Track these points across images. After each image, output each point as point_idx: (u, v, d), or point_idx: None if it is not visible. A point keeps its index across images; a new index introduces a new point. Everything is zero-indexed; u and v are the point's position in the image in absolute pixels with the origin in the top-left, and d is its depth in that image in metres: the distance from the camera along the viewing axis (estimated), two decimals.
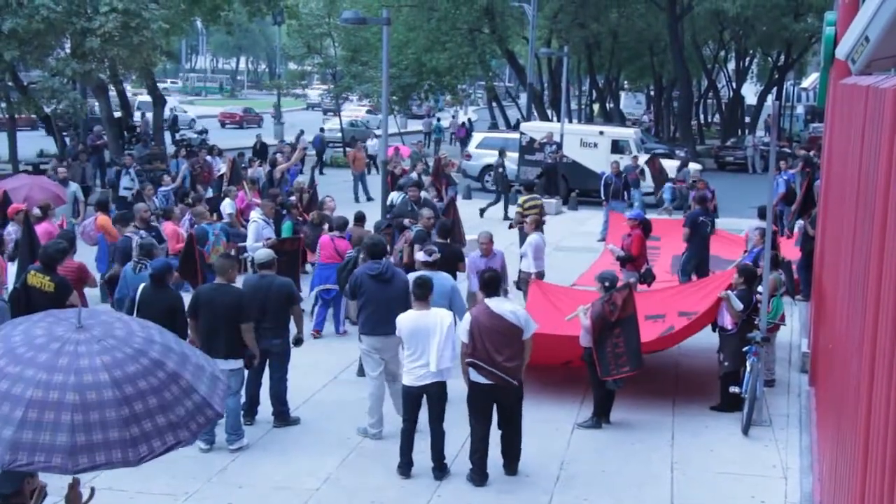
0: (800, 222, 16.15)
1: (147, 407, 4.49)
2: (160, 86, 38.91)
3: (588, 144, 29.54)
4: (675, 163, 28.80)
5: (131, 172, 22.09)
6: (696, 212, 16.39)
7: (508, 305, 8.82)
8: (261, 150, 31.98)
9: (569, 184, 28.30)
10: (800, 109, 58.25)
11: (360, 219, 14.21)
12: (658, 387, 11.54)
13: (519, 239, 17.13)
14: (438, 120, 52.90)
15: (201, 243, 13.14)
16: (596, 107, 60.11)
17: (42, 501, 5.28)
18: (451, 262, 12.05)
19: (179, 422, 4.58)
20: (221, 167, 23.40)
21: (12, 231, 13.57)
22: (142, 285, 9.77)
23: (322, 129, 42.29)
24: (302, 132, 37.42)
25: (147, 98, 37.70)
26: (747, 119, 54.13)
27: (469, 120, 53.99)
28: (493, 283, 8.89)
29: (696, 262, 15.76)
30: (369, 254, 10.20)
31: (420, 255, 10.95)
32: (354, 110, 54.10)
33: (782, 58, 49.71)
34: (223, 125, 56.48)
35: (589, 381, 10.58)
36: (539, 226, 14.62)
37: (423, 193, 17.23)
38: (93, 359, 4.50)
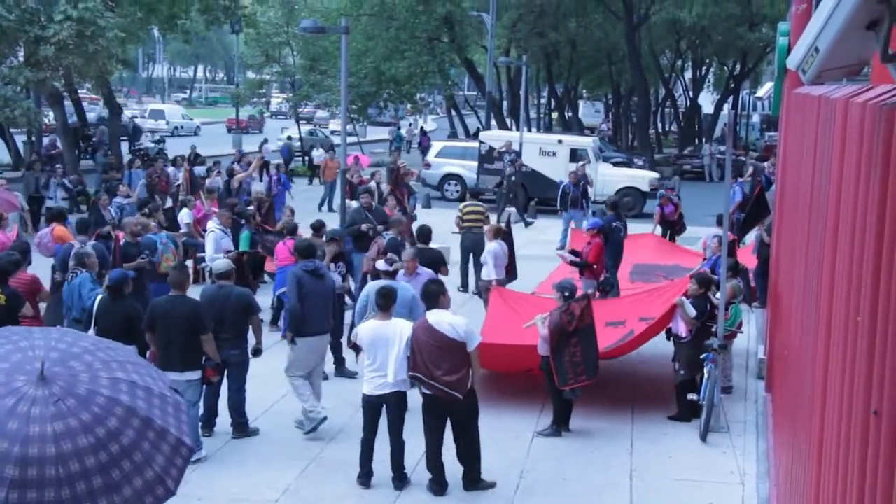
0: (756, 231, 16.32)
1: (90, 487, 4.12)
2: (180, 96, 38.99)
3: (547, 153, 29.68)
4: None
5: (65, 183, 22.02)
6: (610, 217, 16.69)
7: (448, 318, 8.73)
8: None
9: (528, 192, 28.41)
10: (755, 118, 59.01)
11: (317, 228, 14.08)
12: (616, 395, 11.60)
13: (460, 246, 17.26)
14: (398, 128, 52.91)
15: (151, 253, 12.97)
16: (555, 115, 60.43)
17: None
18: (434, 266, 12.41)
19: (125, 502, 4.21)
20: (179, 177, 23.25)
21: None
22: (99, 296, 9.67)
23: (290, 138, 42.15)
24: (266, 140, 37.30)
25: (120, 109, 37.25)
26: (703, 127, 54.75)
27: (422, 129, 54.03)
28: (433, 295, 8.87)
29: (614, 263, 16.04)
30: (301, 255, 10.66)
31: (381, 265, 10.93)
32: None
33: (738, 67, 50.36)
34: (230, 130, 57.59)
35: (547, 389, 10.60)
36: (499, 234, 14.64)
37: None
38: (44, 426, 4.11)
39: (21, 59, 26.02)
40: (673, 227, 21.57)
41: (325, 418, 10.14)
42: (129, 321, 9.34)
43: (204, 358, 9.30)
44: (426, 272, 11.30)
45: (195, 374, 9.24)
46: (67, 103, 33.98)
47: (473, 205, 17.70)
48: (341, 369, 12.22)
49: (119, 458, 4.20)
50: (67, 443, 4.10)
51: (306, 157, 39.55)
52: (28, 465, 4.01)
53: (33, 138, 33.55)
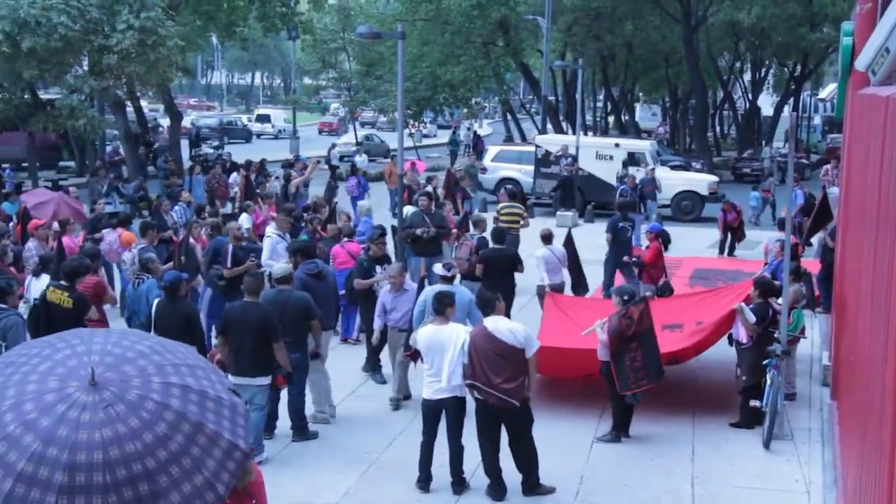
0: (819, 235, 16.07)
1: (137, 494, 4.13)
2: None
3: (603, 157, 29.49)
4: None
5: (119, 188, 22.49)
6: (616, 218, 16.90)
7: (507, 324, 8.72)
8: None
9: (584, 196, 28.26)
10: (817, 120, 58.03)
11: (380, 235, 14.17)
12: (677, 400, 11.46)
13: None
14: (455, 132, 52.99)
15: (219, 255, 13.19)
16: (611, 119, 60.05)
17: None
18: (508, 265, 13.36)
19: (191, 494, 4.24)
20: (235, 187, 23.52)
21: (33, 247, 13.65)
22: (156, 299, 9.82)
23: (333, 146, 42.42)
24: (334, 145, 37.64)
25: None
26: (762, 130, 53.99)
27: (476, 133, 54.04)
28: (489, 301, 8.83)
29: (614, 266, 16.25)
30: (302, 256, 11.41)
31: (438, 269, 10.93)
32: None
33: (799, 68, 49.56)
34: (320, 132, 63.45)
35: (608, 394, 10.52)
36: (548, 240, 14.53)
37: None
38: (93, 432, 4.14)
39: (85, 68, 26.55)
40: (734, 232, 21.33)
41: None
42: (187, 321, 9.49)
43: (275, 365, 9.35)
44: (412, 287, 11.25)
45: (265, 380, 9.31)
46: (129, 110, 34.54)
47: (510, 206, 17.88)
48: (374, 374, 12.27)
49: (167, 464, 4.21)
50: (115, 449, 4.12)
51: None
52: (76, 471, 4.04)
53: (97, 146, 34.15)
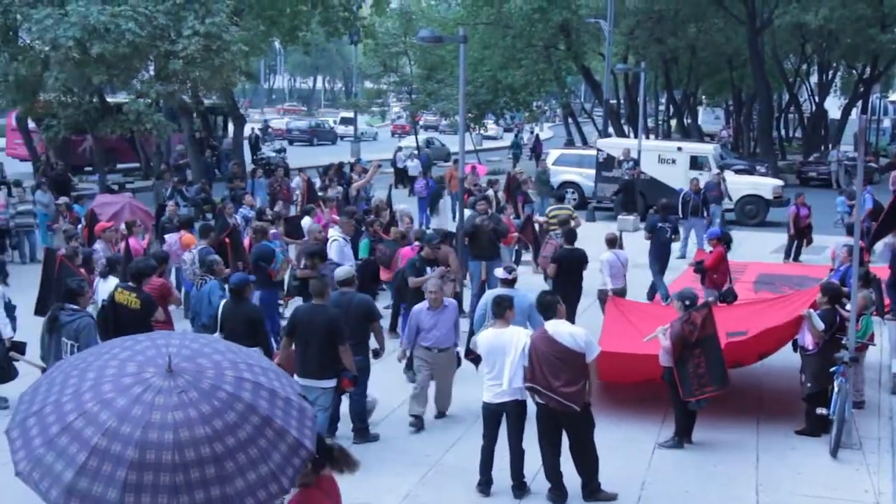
0: (887, 239, 15.74)
1: (203, 476, 4.28)
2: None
3: (666, 161, 29.23)
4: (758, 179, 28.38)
5: (183, 192, 22.88)
6: (655, 218, 17.12)
7: (567, 328, 8.66)
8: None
9: (647, 200, 28.02)
10: (886, 123, 56.89)
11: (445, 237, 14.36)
12: (741, 407, 11.30)
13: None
14: (517, 135, 52.98)
15: (267, 261, 13.33)
16: (673, 122, 59.45)
17: None
18: (579, 265, 13.76)
19: (237, 494, 4.35)
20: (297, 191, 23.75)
21: (100, 249, 13.90)
22: (222, 301, 9.94)
23: (399, 149, 42.59)
24: (400, 149, 37.88)
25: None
26: (829, 133, 53.02)
27: (537, 136, 53.93)
28: (550, 305, 8.78)
29: (659, 266, 16.43)
30: (319, 259, 11.89)
31: (499, 273, 10.92)
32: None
33: (868, 70, 48.59)
34: (393, 135, 66.00)
35: (670, 400, 10.41)
36: (613, 244, 14.46)
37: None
38: (165, 414, 4.34)
39: (151, 73, 27.00)
40: (803, 235, 20.99)
41: (377, 437, 10.34)
42: (252, 323, 9.58)
43: (341, 367, 9.38)
44: (452, 304, 10.70)
45: (331, 383, 9.35)
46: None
47: (559, 208, 18.37)
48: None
49: (234, 451, 4.37)
50: (185, 431, 4.31)
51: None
52: (147, 448, 4.24)
53: (162, 149, 34.70)
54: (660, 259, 16.50)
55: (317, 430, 8.16)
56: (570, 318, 14.56)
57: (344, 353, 9.30)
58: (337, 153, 44.02)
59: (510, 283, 10.66)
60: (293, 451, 4.56)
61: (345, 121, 68.51)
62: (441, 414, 10.92)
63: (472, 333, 10.46)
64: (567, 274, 13.70)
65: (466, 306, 14.33)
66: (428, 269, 12.62)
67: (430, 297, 10.40)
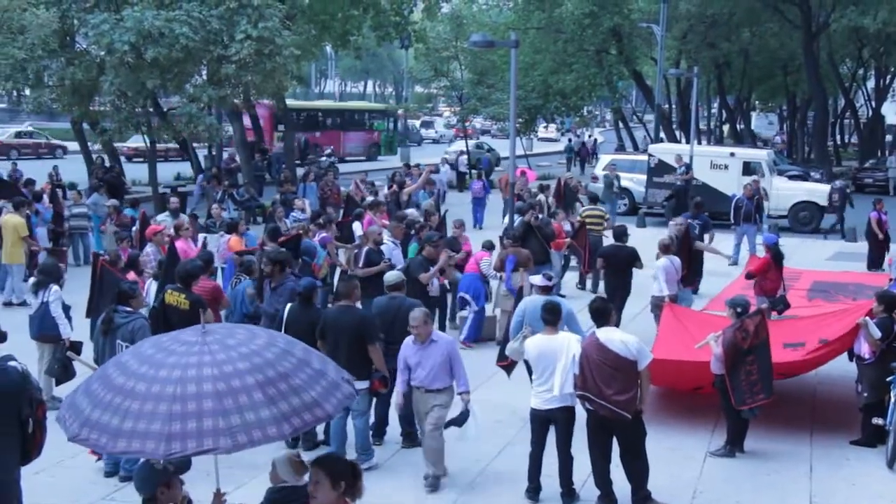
0: None
1: (281, 390, 4.69)
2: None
3: (718, 166, 28.90)
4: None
5: (234, 195, 23.14)
6: (686, 216, 18.05)
7: (619, 335, 8.53)
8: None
9: None
10: None
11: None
12: (795, 416, 11.12)
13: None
14: (570, 140, 52.78)
15: (310, 256, 13.80)
16: (726, 128, 58.83)
17: None
18: (628, 262, 14.14)
19: (318, 398, 4.75)
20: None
21: (151, 252, 14.04)
22: (289, 305, 9.98)
23: (462, 152, 42.61)
24: (463, 152, 38.08)
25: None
26: (888, 139, 52.11)
27: (583, 142, 53.70)
28: (603, 312, 8.68)
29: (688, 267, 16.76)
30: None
31: (537, 280, 10.79)
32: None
33: None
34: (455, 138, 65.40)
35: (721, 408, 10.26)
36: (668, 250, 14.34)
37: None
38: (216, 355, 4.74)
39: (204, 77, 27.27)
40: (888, 239, 20.62)
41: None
42: (315, 328, 9.56)
43: (373, 369, 9.37)
44: (442, 339, 9.13)
45: (361, 384, 9.25)
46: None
47: (593, 209, 19.15)
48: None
49: (271, 381, 4.71)
50: (258, 357, 4.78)
51: (472, 171, 39.82)
52: (186, 382, 4.62)
53: (214, 152, 35.05)
54: (689, 256, 16.74)
55: (357, 434, 8.19)
56: (618, 316, 14.71)
57: (373, 353, 9.25)
58: (420, 156, 44.50)
59: (547, 289, 10.54)
60: (307, 407, 4.74)
61: (425, 124, 71.37)
62: (436, 478, 9.22)
63: (506, 341, 10.36)
64: (615, 271, 14.14)
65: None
66: (430, 268, 13.11)
67: (413, 330, 8.98)
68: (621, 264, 14.31)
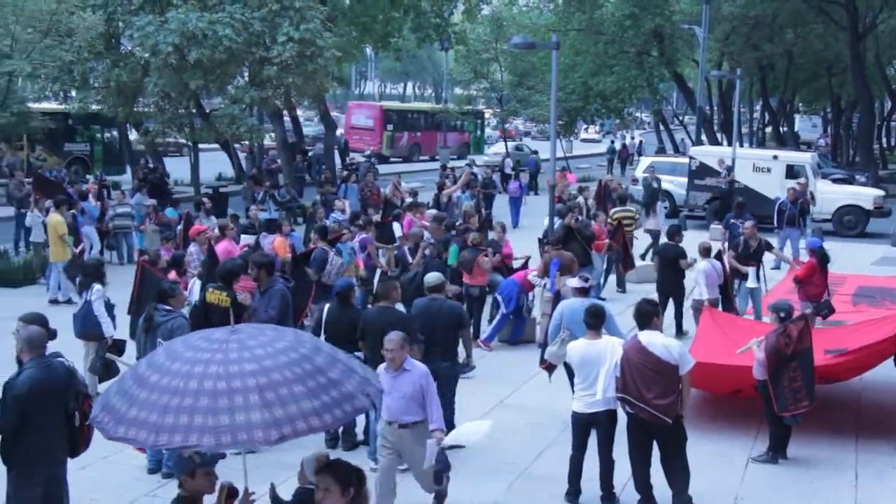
0: None
1: (320, 383, 4.76)
2: None
3: (761, 169, 28.61)
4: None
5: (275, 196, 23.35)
6: (730, 215, 19.01)
7: (661, 339, 8.45)
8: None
9: None
10: None
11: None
12: (839, 422, 10.96)
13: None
14: (613, 142, 52.61)
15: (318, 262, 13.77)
16: (768, 130, 58.23)
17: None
18: (674, 259, 14.57)
19: (354, 391, 4.80)
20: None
21: (194, 251, 14.17)
22: (327, 305, 10.02)
23: (508, 154, 42.65)
24: (508, 154, 38.17)
25: None
26: None
27: (624, 144, 53.48)
28: (647, 315, 8.60)
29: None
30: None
31: (574, 282, 10.72)
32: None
33: None
34: (500, 139, 67.77)
35: (763, 414, 10.15)
36: (707, 253, 14.24)
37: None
38: (254, 350, 4.82)
39: (246, 79, 27.50)
40: None
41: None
42: (356, 328, 9.59)
43: None
44: (415, 368, 8.13)
45: None
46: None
47: (623, 210, 19.41)
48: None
49: (308, 375, 4.78)
50: (294, 352, 4.86)
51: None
52: (270, 371, 4.73)
53: (255, 153, 35.34)
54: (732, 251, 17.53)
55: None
56: (678, 317, 14.80)
57: (412, 354, 9.25)
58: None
59: (584, 291, 10.48)
60: (345, 399, 4.78)
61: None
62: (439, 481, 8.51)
63: (545, 345, 10.32)
64: (670, 269, 14.62)
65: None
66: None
67: (387, 354, 8.10)
68: (671, 262, 14.70)
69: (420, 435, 8.03)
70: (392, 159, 48.58)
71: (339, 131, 44.96)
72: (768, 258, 16.05)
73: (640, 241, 21.09)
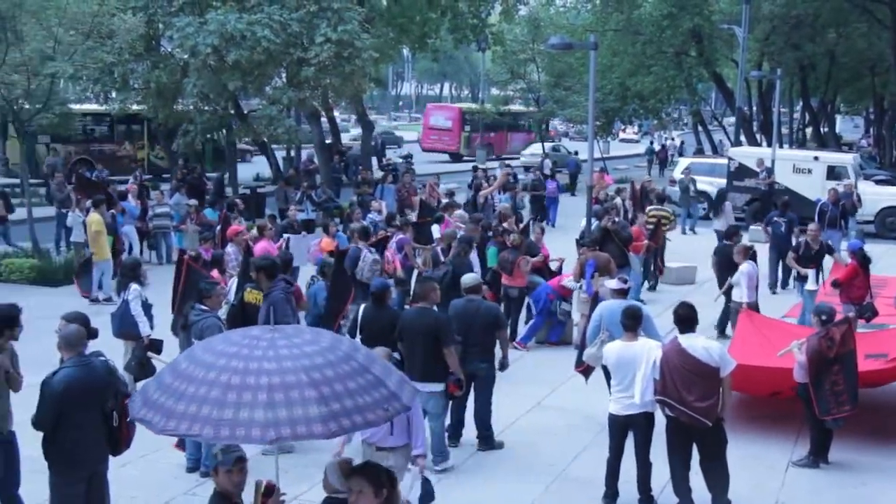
0: None
1: (368, 381, 4.80)
2: None
3: (801, 170, 28.28)
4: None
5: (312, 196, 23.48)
6: (773, 213, 19.31)
7: (702, 342, 8.37)
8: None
9: None
10: None
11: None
12: (883, 426, 10.80)
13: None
14: (651, 143, 52.33)
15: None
16: (809, 131, 57.57)
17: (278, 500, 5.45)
18: (729, 260, 14.35)
19: (367, 405, 4.73)
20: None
21: (232, 251, 14.25)
22: (363, 305, 10.03)
23: (546, 155, 42.52)
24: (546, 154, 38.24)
25: None
26: None
27: (662, 145, 53.17)
28: (687, 319, 8.49)
29: (775, 255, 18.39)
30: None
31: (613, 283, 10.63)
32: None
33: None
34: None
35: (804, 417, 10.03)
36: (748, 254, 14.10)
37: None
38: (302, 348, 4.84)
39: (284, 80, 27.64)
40: None
41: (502, 444, 10.08)
42: (392, 328, 9.55)
43: (449, 372, 9.31)
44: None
45: (436, 387, 9.28)
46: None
47: (658, 209, 19.58)
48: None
49: (355, 373, 4.83)
50: (305, 360, 4.78)
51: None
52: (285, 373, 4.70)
53: (292, 154, 35.50)
54: (774, 249, 18.41)
55: (434, 437, 8.08)
56: (730, 317, 14.54)
57: (449, 356, 9.20)
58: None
59: (623, 293, 10.39)
60: (358, 410, 4.72)
61: None
62: None
63: (583, 347, 10.26)
64: (728, 270, 14.35)
65: None
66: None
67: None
68: (729, 262, 14.47)
69: (401, 460, 7.51)
70: (465, 158, 49.77)
71: (375, 132, 45.09)
72: (828, 261, 15.82)
73: (683, 243, 20.95)
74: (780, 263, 18.22)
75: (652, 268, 18.05)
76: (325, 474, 5.83)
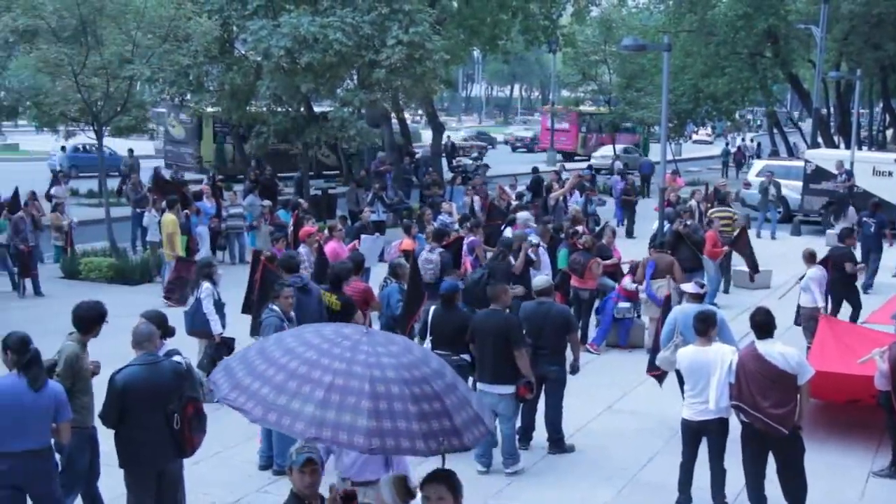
0: None
1: (434, 409, 4.65)
2: None
3: (881, 173, 27.60)
4: None
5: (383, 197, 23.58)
6: (864, 213, 19.49)
7: (779, 348, 8.16)
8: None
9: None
10: None
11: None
12: None
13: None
14: (727, 144, 51.61)
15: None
16: (889, 133, 56.18)
17: None
18: (843, 262, 14.46)
19: (460, 427, 4.68)
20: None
21: (304, 252, 14.38)
22: (433, 307, 10.04)
23: (617, 157, 42.24)
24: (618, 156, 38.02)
25: None
26: None
27: (739, 147, 52.37)
28: (764, 326, 8.29)
29: (866, 253, 18.38)
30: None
31: (689, 287, 10.47)
32: None
33: None
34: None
35: (885, 426, 9.77)
36: (814, 259, 13.75)
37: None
38: (381, 357, 4.75)
39: (356, 81, 27.83)
40: None
41: (573, 447, 10.02)
42: (462, 330, 9.55)
43: (520, 374, 9.25)
44: None
45: (507, 389, 9.24)
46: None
47: (721, 210, 19.26)
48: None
49: (448, 391, 4.80)
50: (405, 371, 4.74)
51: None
52: (378, 382, 4.64)
53: (363, 156, 35.71)
54: (864, 247, 18.41)
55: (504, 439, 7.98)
56: (854, 319, 14.46)
57: (519, 358, 9.14)
58: None
59: (699, 297, 10.22)
60: (446, 433, 4.65)
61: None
62: None
63: (656, 350, 10.13)
64: (841, 273, 14.36)
65: None
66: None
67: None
68: (841, 265, 14.49)
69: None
70: (576, 157, 52.01)
71: (446, 135, 45.18)
72: None
73: (758, 246, 20.52)
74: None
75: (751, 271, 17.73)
76: (379, 490, 5.63)
